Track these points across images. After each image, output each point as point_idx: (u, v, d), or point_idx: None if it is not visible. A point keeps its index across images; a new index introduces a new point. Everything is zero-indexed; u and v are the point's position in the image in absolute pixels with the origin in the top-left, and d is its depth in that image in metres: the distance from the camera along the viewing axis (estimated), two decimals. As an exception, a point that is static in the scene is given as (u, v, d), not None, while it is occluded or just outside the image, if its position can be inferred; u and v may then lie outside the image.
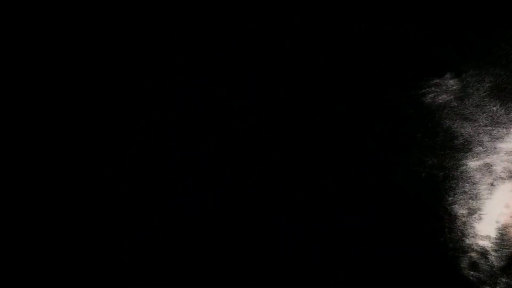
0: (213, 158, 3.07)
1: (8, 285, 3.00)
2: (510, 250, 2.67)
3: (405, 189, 2.91)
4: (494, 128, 2.86)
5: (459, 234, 2.75)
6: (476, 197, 2.80)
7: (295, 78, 3.14)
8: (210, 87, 3.16)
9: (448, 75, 2.97)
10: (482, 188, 2.80)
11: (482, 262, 2.70)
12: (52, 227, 3.05)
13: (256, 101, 3.13)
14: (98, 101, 3.19)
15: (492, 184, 2.80)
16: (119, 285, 2.95)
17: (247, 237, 2.97)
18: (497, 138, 2.85)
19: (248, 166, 3.06)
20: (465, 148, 2.87)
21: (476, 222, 2.76)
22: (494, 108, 2.88)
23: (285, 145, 3.08)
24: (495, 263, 2.68)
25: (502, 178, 2.79)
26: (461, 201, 2.80)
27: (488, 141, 2.85)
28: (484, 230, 2.74)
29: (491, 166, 2.82)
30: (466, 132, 2.88)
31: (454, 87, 2.95)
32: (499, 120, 2.86)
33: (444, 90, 2.95)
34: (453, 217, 2.78)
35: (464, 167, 2.84)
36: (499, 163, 2.81)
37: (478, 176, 2.82)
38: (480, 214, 2.77)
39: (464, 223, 2.77)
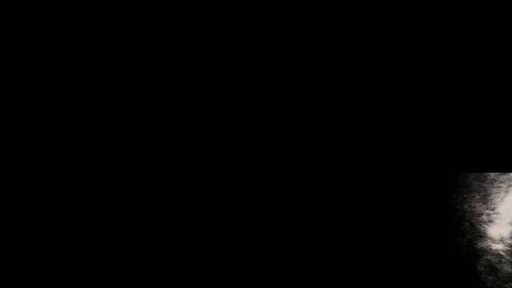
0: (213, 158, 3.08)
1: (8, 285, 3.00)
2: None
3: (405, 189, 2.91)
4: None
5: (461, 235, 2.75)
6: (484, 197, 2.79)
7: (295, 78, 3.14)
8: (210, 87, 3.16)
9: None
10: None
11: (491, 264, 2.70)
12: (52, 227, 3.05)
13: (256, 101, 3.13)
14: (98, 101, 3.19)
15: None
16: (119, 285, 2.95)
17: (247, 237, 2.97)
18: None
19: (248, 166, 3.06)
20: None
21: (485, 224, 2.76)
22: None
23: (285, 145, 3.08)
24: (501, 267, 2.67)
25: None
26: (467, 202, 2.80)
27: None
28: (495, 233, 2.74)
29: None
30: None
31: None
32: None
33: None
34: (459, 217, 2.78)
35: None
36: None
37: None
38: (490, 215, 2.77)
39: (472, 224, 2.76)
